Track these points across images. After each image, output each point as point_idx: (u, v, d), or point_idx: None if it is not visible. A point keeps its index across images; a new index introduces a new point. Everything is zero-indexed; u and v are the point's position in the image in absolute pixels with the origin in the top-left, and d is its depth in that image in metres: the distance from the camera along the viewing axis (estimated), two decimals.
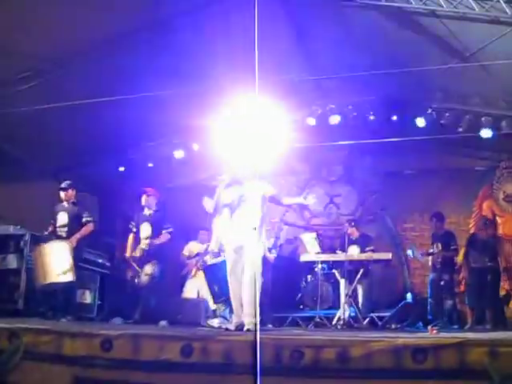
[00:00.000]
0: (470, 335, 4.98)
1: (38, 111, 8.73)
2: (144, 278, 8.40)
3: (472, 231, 11.02)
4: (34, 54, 8.79)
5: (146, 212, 8.86)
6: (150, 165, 12.25)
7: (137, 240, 8.83)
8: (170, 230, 8.76)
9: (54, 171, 12.41)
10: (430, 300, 9.86)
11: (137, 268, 8.60)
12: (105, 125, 10.74)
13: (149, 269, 8.38)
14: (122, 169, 12.35)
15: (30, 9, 7.77)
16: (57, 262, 8.25)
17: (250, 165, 6.68)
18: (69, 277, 8.31)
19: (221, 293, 8.05)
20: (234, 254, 6.54)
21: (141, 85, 9.28)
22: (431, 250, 10.12)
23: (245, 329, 6.01)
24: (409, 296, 10.92)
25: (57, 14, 7.95)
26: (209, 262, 8.35)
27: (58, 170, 12.42)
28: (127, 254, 8.97)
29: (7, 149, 11.22)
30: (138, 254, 8.70)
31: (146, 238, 8.70)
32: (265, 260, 10.20)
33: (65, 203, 8.85)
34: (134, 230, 8.86)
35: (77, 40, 8.77)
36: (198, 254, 10.08)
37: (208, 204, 6.71)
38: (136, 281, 8.46)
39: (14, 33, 8.16)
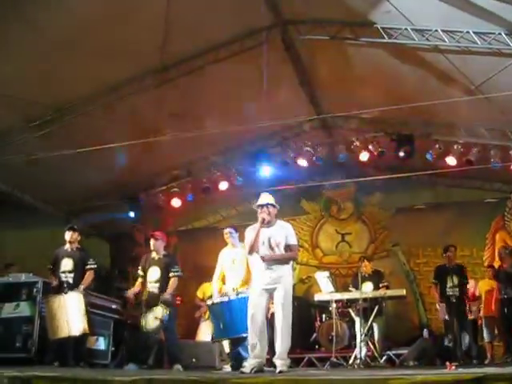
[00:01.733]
0: (491, 370, 4.89)
1: (50, 158, 8.82)
2: (152, 322, 8.31)
3: (487, 263, 10.92)
4: (42, 102, 8.94)
5: (155, 256, 8.83)
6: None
7: (145, 284, 8.77)
8: (179, 273, 8.70)
9: (66, 217, 12.48)
10: (446, 339, 9.69)
11: (144, 313, 8.53)
12: (115, 169, 10.84)
13: (158, 312, 8.30)
14: (132, 214, 12.35)
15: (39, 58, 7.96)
16: (70, 315, 8.21)
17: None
18: (84, 329, 8.29)
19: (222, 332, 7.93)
20: (260, 296, 6.49)
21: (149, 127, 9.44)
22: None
23: (277, 371, 6.05)
24: (425, 332, 10.75)
25: (64, 62, 8.12)
26: (215, 301, 8.24)
27: (69, 216, 12.49)
28: (129, 293, 8.91)
29: (20, 196, 11.33)
30: (147, 298, 8.64)
31: (155, 282, 8.63)
32: None
33: (68, 247, 8.84)
34: (141, 274, 8.81)
35: (83, 87, 8.94)
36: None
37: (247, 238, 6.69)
38: (145, 326, 8.37)
39: (23, 81, 8.32)
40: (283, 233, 6.56)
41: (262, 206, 6.59)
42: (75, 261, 8.74)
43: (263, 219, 6.43)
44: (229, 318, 7.60)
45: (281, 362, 6.21)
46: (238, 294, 7.85)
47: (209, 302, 8.16)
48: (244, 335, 7.69)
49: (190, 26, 8.03)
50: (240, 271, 8.24)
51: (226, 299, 7.76)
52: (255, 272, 6.69)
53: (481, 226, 12.06)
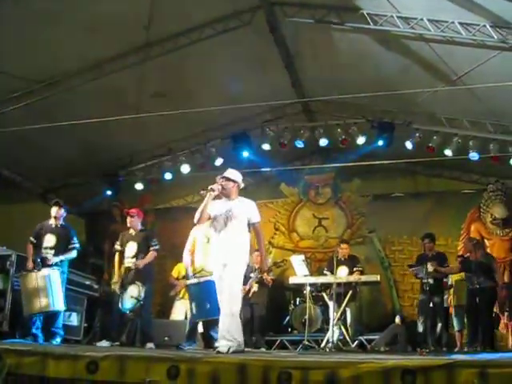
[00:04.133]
0: (460, 357, 4.95)
1: (27, 132, 8.73)
2: (129, 301, 8.31)
3: (461, 253, 11.00)
4: (22, 76, 8.83)
5: (132, 232, 8.82)
6: (140, 187, 12.22)
7: (122, 260, 8.76)
8: (157, 247, 8.69)
9: (43, 192, 12.39)
10: (418, 322, 9.79)
11: (118, 289, 8.51)
12: (94, 146, 10.77)
13: (134, 291, 8.29)
14: (110, 191, 12.30)
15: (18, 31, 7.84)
16: (46, 291, 8.17)
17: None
18: (60, 306, 8.26)
19: (199, 313, 7.95)
20: (220, 272, 6.38)
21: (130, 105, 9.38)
22: (413, 269, 10.03)
23: (216, 351, 5.86)
24: (398, 318, 10.86)
25: (44, 35, 8.01)
26: (189, 281, 8.23)
27: (46, 191, 12.40)
28: (115, 278, 8.88)
29: None
30: (123, 273, 8.62)
31: (132, 257, 8.62)
32: (262, 282, 10.22)
33: (52, 223, 8.77)
34: (119, 248, 8.79)
35: (65, 62, 8.84)
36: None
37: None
38: (120, 303, 8.36)
39: (3, 54, 8.20)
40: (244, 208, 6.47)
41: (220, 178, 6.52)
42: (58, 238, 8.68)
43: (212, 189, 6.34)
44: (214, 297, 7.61)
45: (224, 342, 6.02)
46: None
47: (188, 282, 8.15)
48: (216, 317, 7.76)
49: (176, 3, 7.95)
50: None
51: (206, 279, 7.76)
52: (213, 247, 6.60)
53: (457, 217, 12.15)
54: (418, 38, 8.27)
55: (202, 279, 7.91)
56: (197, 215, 6.42)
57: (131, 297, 8.30)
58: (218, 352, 5.75)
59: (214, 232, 6.47)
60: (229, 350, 5.85)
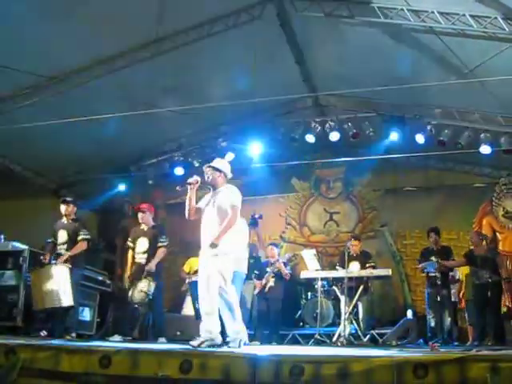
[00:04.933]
0: (472, 351, 4.94)
1: (39, 128, 8.77)
2: (138, 294, 8.34)
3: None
4: (34, 72, 8.87)
5: (144, 227, 8.85)
6: (151, 182, 12.24)
7: (134, 256, 8.80)
8: (166, 243, 8.71)
9: (55, 188, 12.46)
10: (428, 316, 9.78)
11: (128, 285, 8.55)
12: (106, 142, 10.80)
13: (143, 286, 8.32)
14: (122, 186, 12.34)
15: (29, 27, 7.87)
16: (55, 287, 8.21)
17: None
18: (69, 301, 8.30)
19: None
20: (209, 265, 6.20)
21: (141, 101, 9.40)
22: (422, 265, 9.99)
23: (193, 343, 5.79)
24: (409, 313, 10.85)
25: (55, 32, 8.04)
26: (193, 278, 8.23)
27: (58, 187, 12.46)
28: (126, 273, 8.93)
29: (11, 166, 11.29)
30: (134, 269, 8.67)
31: (143, 253, 8.66)
32: (279, 276, 10.20)
33: (64, 220, 8.82)
34: (132, 245, 8.83)
35: (76, 57, 8.86)
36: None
37: None
38: (131, 298, 8.39)
39: (14, 50, 8.23)
40: (226, 195, 6.36)
41: (205, 167, 6.49)
42: (69, 232, 8.73)
43: (189, 183, 6.30)
44: None
45: (203, 334, 5.97)
46: None
47: (194, 279, 8.13)
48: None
49: None
50: None
51: None
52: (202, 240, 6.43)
53: (469, 210, 12.11)
54: (428, 31, 8.23)
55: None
56: (186, 211, 6.38)
57: (140, 290, 8.33)
58: (190, 344, 5.74)
59: (202, 224, 6.36)
60: (200, 344, 5.79)
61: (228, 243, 6.21)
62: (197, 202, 6.44)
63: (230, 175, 6.59)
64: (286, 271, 10.17)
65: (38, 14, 7.69)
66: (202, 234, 6.34)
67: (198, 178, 6.36)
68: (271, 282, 10.14)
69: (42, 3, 7.57)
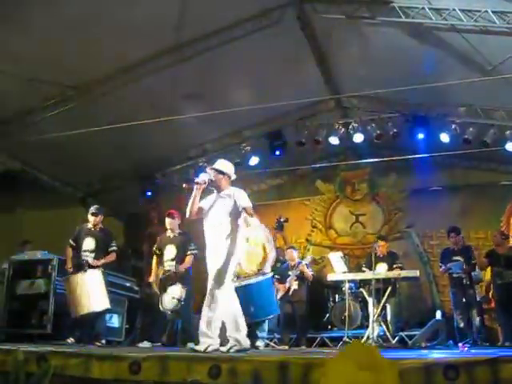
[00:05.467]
0: (503, 352, 4.89)
1: (64, 137, 8.88)
2: (170, 302, 8.36)
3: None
4: (58, 82, 8.97)
5: (170, 234, 8.88)
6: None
7: (162, 263, 8.83)
8: (195, 251, 8.73)
9: (82, 197, 12.58)
10: (456, 317, 9.68)
11: (158, 291, 8.59)
12: (131, 149, 10.89)
13: (175, 292, 8.35)
14: (147, 194, 12.42)
15: (52, 38, 7.97)
16: (90, 291, 8.29)
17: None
18: (105, 304, 8.38)
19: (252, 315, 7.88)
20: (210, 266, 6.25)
21: (165, 107, 9.46)
22: (449, 265, 9.89)
23: (198, 348, 5.82)
24: (438, 314, 10.74)
25: (80, 42, 8.13)
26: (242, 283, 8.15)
27: (85, 196, 12.59)
28: (151, 278, 8.97)
29: (38, 176, 11.43)
30: (161, 276, 8.70)
31: (172, 260, 8.69)
32: (302, 278, 10.18)
33: (92, 227, 8.89)
34: (158, 252, 8.88)
35: (100, 66, 8.96)
36: None
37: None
38: (161, 304, 8.42)
39: (40, 62, 8.34)
40: (231, 198, 6.27)
41: (209, 169, 6.42)
42: (98, 241, 8.80)
43: (196, 183, 6.24)
44: (259, 299, 7.60)
45: (203, 339, 6.00)
46: (263, 275, 7.88)
47: (235, 284, 8.05)
48: (271, 316, 7.77)
49: (205, 4, 7.99)
50: (256, 250, 8.24)
51: (253, 281, 7.76)
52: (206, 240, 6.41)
53: (496, 209, 11.98)
54: (450, 29, 8.16)
55: (243, 282, 7.88)
56: (187, 210, 6.34)
57: (172, 298, 8.35)
58: (194, 350, 5.75)
59: (206, 226, 6.33)
60: (206, 348, 5.82)
61: (238, 249, 6.26)
62: None
63: (233, 177, 6.49)
64: (308, 273, 10.15)
65: (63, 25, 7.78)
66: (210, 238, 6.28)
67: (206, 179, 6.29)
68: (295, 285, 10.12)
69: (67, 15, 7.65)
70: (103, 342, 8.39)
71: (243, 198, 6.31)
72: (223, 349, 5.88)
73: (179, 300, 8.28)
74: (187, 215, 6.42)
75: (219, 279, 6.11)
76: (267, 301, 7.78)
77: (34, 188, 11.48)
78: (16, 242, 10.75)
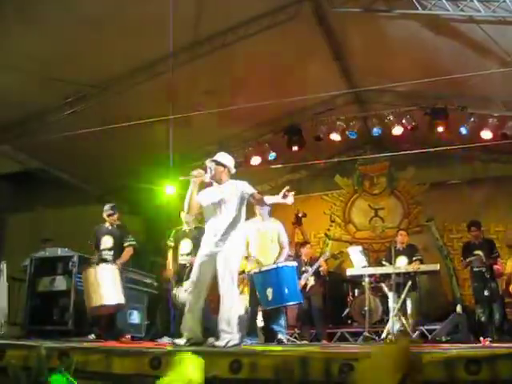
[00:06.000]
0: None
1: (82, 135, 8.93)
2: (184, 296, 8.38)
3: None
4: (75, 81, 9.02)
5: (186, 229, 8.86)
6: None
7: (176, 257, 8.83)
8: None
9: (101, 194, 12.65)
10: (477, 311, 9.62)
11: (175, 285, 8.59)
12: (148, 146, 10.91)
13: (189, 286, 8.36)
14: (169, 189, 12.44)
15: (69, 36, 8.01)
16: (102, 285, 8.32)
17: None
18: (119, 299, 8.41)
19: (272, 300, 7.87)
20: (205, 260, 6.20)
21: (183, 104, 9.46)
22: (469, 260, 9.83)
23: (218, 344, 5.83)
24: (459, 308, 10.67)
25: (95, 39, 8.17)
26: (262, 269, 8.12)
27: (104, 193, 12.65)
28: (167, 272, 8.98)
29: (57, 174, 11.52)
30: (176, 270, 8.70)
31: (187, 255, 8.66)
32: (318, 274, 10.17)
33: (109, 226, 8.93)
34: (172, 245, 8.87)
35: (116, 64, 9.00)
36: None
37: None
38: (177, 299, 8.43)
39: (57, 61, 8.40)
40: (234, 189, 6.22)
41: (209, 161, 6.34)
42: (115, 238, 8.84)
43: (200, 173, 6.20)
44: (281, 285, 7.60)
45: (223, 335, 5.98)
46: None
47: (256, 270, 8.02)
48: (293, 303, 7.77)
49: (221, 0, 7.99)
50: (271, 245, 8.23)
51: (274, 266, 7.76)
52: (204, 236, 6.38)
53: None
54: (468, 20, 8.09)
55: (262, 268, 7.87)
56: (185, 205, 6.30)
57: (185, 291, 8.37)
58: (214, 346, 5.75)
59: (206, 219, 6.31)
60: (227, 343, 5.82)
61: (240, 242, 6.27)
62: None
63: (233, 170, 6.45)
64: (325, 267, 10.16)
65: (79, 23, 7.83)
66: (210, 231, 6.24)
67: (202, 171, 6.23)
68: (312, 281, 10.10)
69: (83, 13, 7.69)
70: (128, 337, 8.44)
71: (248, 187, 6.26)
72: (219, 343, 5.88)
73: None
74: (185, 210, 6.40)
75: (224, 272, 6.11)
76: (288, 287, 7.73)
77: (53, 186, 11.58)
78: (36, 239, 10.84)
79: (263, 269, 7.85)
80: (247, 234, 8.29)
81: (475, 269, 9.50)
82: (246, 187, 6.25)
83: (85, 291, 8.43)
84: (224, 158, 6.43)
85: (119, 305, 8.48)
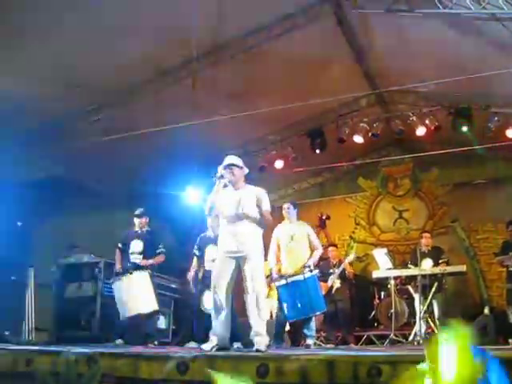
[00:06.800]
0: None
1: (108, 141, 8.99)
2: (210, 302, 8.40)
3: None
4: (100, 88, 9.09)
5: (211, 234, 8.90)
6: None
7: (202, 263, 8.87)
8: None
9: (127, 200, 12.70)
10: (509, 312, 9.50)
11: (199, 291, 8.63)
12: (173, 151, 10.95)
13: None
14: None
15: (91, 44, 8.07)
16: (138, 293, 8.38)
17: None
18: (153, 306, 8.46)
19: (292, 313, 7.91)
20: (224, 264, 6.24)
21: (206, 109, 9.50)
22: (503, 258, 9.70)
23: (255, 348, 5.84)
24: (486, 309, 10.57)
25: (118, 46, 8.22)
26: (278, 283, 8.16)
27: (130, 199, 12.70)
28: (189, 278, 9.01)
29: (80, 179, 11.59)
30: (201, 276, 8.73)
31: (213, 260, 8.68)
32: (344, 277, 10.14)
33: (138, 230, 9.01)
34: (198, 253, 8.92)
35: (140, 70, 9.05)
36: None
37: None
38: (202, 304, 8.47)
39: (81, 67, 8.47)
40: (253, 196, 6.23)
41: (225, 167, 6.34)
42: (145, 243, 8.92)
43: (222, 177, 6.24)
44: (306, 296, 7.63)
45: (258, 338, 6.01)
46: (311, 271, 7.88)
47: (282, 282, 8.05)
48: (318, 313, 7.79)
49: (242, 4, 7.99)
50: (301, 248, 8.23)
51: (301, 278, 7.78)
52: (220, 237, 6.38)
53: None
54: (490, 18, 8.00)
55: (289, 279, 7.90)
56: (207, 206, 6.33)
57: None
58: (258, 350, 5.77)
59: (222, 222, 6.30)
60: (267, 346, 5.93)
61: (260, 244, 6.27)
62: None
63: (246, 170, 6.48)
64: (350, 271, 10.12)
65: (100, 29, 7.88)
66: (229, 235, 6.23)
67: (229, 174, 6.28)
68: (337, 284, 10.07)
69: (103, 19, 7.75)
70: (156, 343, 8.48)
71: (266, 202, 6.29)
72: (205, 347, 6.04)
73: None
74: (206, 212, 6.45)
75: (252, 278, 6.14)
76: (314, 297, 7.76)
77: (78, 192, 11.64)
78: (62, 245, 10.93)
79: (278, 284, 7.91)
80: (277, 237, 8.34)
81: (510, 268, 9.38)
82: (264, 202, 6.29)
83: (119, 299, 8.48)
84: (238, 160, 6.48)
85: (154, 311, 8.56)
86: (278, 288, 8.08)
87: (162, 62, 9.04)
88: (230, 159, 6.42)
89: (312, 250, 8.24)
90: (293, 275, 7.94)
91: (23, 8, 7.25)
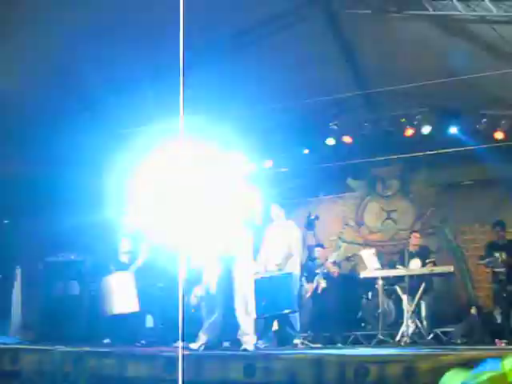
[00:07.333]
0: None
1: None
2: (194, 300, 8.43)
3: None
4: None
5: None
6: None
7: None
8: None
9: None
10: (495, 312, 9.55)
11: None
12: None
13: (199, 291, 8.38)
14: None
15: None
16: (121, 293, 8.38)
17: None
18: (134, 307, 8.45)
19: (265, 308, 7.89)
20: (220, 265, 6.31)
21: None
22: (487, 260, 9.78)
23: (242, 348, 5.89)
24: (473, 309, 10.61)
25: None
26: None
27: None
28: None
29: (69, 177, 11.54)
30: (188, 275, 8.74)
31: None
32: (329, 276, 10.16)
33: (128, 229, 9.00)
34: None
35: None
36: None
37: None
38: (188, 303, 8.48)
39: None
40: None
41: None
42: (132, 241, 8.92)
43: None
44: (272, 294, 7.61)
45: (245, 338, 6.10)
46: (280, 270, 7.88)
47: (258, 277, 8.06)
48: (286, 311, 7.76)
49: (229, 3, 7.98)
50: (280, 248, 8.25)
51: (268, 275, 7.78)
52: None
53: None
54: (479, 20, 8.03)
55: (259, 276, 7.88)
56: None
57: (195, 296, 8.42)
58: (245, 350, 5.78)
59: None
60: (254, 346, 6.04)
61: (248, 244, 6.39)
62: None
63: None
64: (333, 269, 10.14)
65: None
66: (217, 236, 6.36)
67: None
68: (323, 284, 10.09)
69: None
70: (143, 342, 8.46)
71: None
72: (193, 346, 6.07)
73: (200, 298, 8.33)
74: None
75: (240, 275, 6.29)
76: (281, 296, 7.73)
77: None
78: (50, 244, 10.87)
79: (259, 277, 7.91)
80: (266, 237, 8.37)
81: (496, 269, 9.44)
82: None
83: (103, 298, 8.49)
84: None
85: (135, 312, 8.55)
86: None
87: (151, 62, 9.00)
88: None
89: (290, 252, 8.26)
90: (267, 272, 7.96)
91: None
